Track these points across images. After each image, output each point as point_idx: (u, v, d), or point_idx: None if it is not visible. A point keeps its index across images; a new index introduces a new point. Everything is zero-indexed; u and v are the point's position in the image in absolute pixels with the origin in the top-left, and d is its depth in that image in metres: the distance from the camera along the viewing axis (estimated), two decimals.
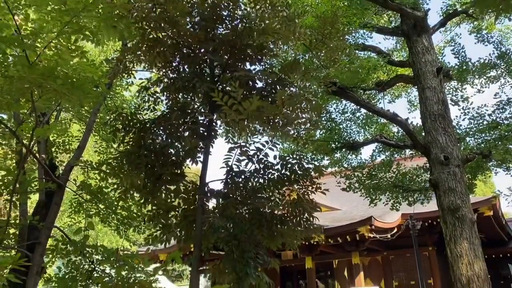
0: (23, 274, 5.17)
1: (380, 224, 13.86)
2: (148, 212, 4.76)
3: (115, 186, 5.08)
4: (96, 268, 5.92)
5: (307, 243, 15.05)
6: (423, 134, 7.43)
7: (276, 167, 4.47)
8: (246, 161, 4.46)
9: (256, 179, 4.53)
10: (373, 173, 9.49)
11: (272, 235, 4.53)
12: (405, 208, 12.62)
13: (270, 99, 4.26)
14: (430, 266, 16.02)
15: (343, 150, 9.33)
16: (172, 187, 4.63)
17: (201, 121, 4.59)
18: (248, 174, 4.52)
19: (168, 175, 4.55)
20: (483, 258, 6.13)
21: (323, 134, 9.45)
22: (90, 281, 5.65)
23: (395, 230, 14.80)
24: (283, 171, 4.44)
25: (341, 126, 9.57)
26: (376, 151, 10.15)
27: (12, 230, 6.31)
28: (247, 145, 4.54)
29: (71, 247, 5.95)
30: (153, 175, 4.50)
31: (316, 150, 8.88)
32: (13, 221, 6.49)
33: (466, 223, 6.24)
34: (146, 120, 4.67)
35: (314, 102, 4.37)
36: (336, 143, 9.02)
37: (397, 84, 9.94)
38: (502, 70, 9.03)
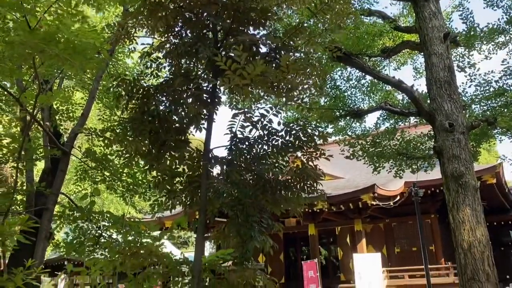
0: (32, 238, 5.30)
1: (383, 192, 13.97)
2: (153, 178, 4.80)
3: (120, 153, 5.11)
4: (103, 234, 6.04)
5: (310, 210, 15.26)
6: (428, 101, 7.37)
7: (280, 134, 4.46)
8: (250, 127, 4.45)
9: (260, 146, 4.52)
10: (377, 141, 9.48)
11: (276, 201, 4.57)
12: (408, 176, 12.68)
13: (274, 64, 4.20)
14: (432, 233, 16.25)
15: (348, 118, 9.30)
16: (177, 154, 4.64)
17: (204, 87, 4.54)
18: (252, 140, 4.51)
19: (172, 142, 4.55)
20: (485, 225, 6.19)
21: (328, 102, 9.40)
22: (97, 246, 5.78)
23: (398, 198, 14.93)
24: (287, 137, 4.43)
25: (345, 94, 9.50)
26: (381, 119, 10.10)
27: (19, 197, 6.42)
28: (251, 111, 4.52)
29: (78, 213, 6.06)
30: (157, 142, 4.51)
31: (320, 118, 8.86)
32: (19, 188, 6.59)
33: (469, 190, 6.27)
34: (149, 87, 4.64)
35: (318, 68, 4.31)
36: (341, 111, 8.98)
37: (403, 51, 9.78)
38: (511, 36, 8.85)
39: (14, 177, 4.52)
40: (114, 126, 4.78)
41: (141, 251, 4.07)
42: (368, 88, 9.64)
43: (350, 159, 9.80)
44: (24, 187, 6.15)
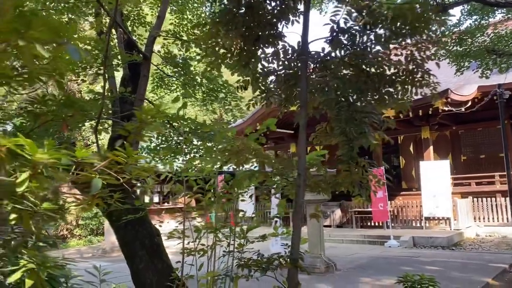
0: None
1: (456, 97, 13.16)
2: (243, 79, 4.56)
3: (206, 53, 4.85)
4: (183, 139, 6.05)
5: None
6: None
7: (388, 21, 3.98)
8: (355, 14, 3.99)
9: (364, 36, 4.09)
10: (464, 37, 8.60)
11: (379, 98, 4.23)
12: (481, 81, 11.76)
13: None
14: (507, 139, 15.43)
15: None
16: (271, 49, 4.32)
17: None
18: (356, 30, 4.08)
19: (266, 37, 4.22)
20: None
21: None
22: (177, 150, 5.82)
23: (470, 103, 14.07)
24: (397, 23, 3.95)
25: None
26: (466, 13, 9.09)
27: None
28: None
29: (161, 120, 6.04)
30: (251, 36, 4.18)
31: None
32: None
33: None
34: None
35: None
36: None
37: None
38: None
39: (102, 84, 4.40)
40: (199, 24, 4.48)
41: (245, 150, 3.96)
42: None
43: (432, 59, 9.03)
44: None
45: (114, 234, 5.04)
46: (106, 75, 5.93)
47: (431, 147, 15.35)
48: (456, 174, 16.26)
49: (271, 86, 4.41)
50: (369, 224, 15.54)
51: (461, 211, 14.00)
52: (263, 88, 4.47)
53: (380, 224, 14.81)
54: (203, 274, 4.01)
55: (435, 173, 14.09)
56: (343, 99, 3.97)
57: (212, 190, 4.33)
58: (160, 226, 4.66)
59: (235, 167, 4.28)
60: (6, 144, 1.10)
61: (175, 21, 7.33)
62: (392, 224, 14.11)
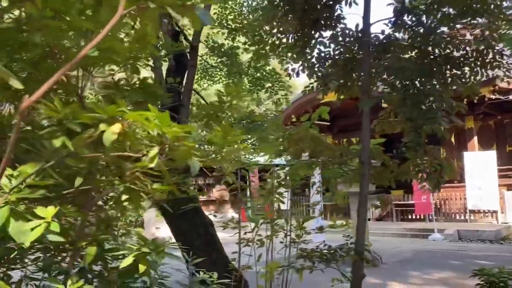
0: None
1: (505, 85, 12.54)
2: (299, 65, 4.42)
3: (247, 43, 4.74)
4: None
5: None
6: None
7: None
8: None
9: (430, 15, 3.87)
10: None
11: (445, 82, 4.01)
12: None
13: None
14: None
15: None
16: (329, 33, 4.17)
17: None
18: (422, 10, 3.87)
19: (324, 19, 4.06)
20: None
21: None
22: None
23: None
24: (467, 1, 3.71)
25: None
26: None
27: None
28: None
29: (207, 110, 5.97)
30: (309, 19, 4.04)
31: None
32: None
33: None
34: None
35: None
36: None
37: None
38: None
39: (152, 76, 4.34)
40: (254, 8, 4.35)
41: (305, 138, 3.83)
42: None
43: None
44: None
45: (153, 226, 5.02)
46: (155, 65, 5.93)
47: (475, 138, 14.77)
48: (501, 166, 15.59)
49: (329, 71, 4.25)
50: (409, 217, 15.13)
51: (508, 204, 13.42)
52: (319, 73, 4.32)
53: (422, 217, 14.39)
54: (262, 265, 3.92)
55: (480, 165, 13.54)
56: (408, 83, 3.78)
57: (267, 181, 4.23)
58: (215, 216, 4.62)
59: (289, 157, 4.16)
60: (130, 117, 1.02)
61: (218, 11, 7.23)
62: (435, 217, 13.68)
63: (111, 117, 1.01)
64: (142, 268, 1.21)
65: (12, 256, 1.61)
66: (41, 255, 1.85)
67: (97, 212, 1.44)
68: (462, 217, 14.17)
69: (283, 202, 4.31)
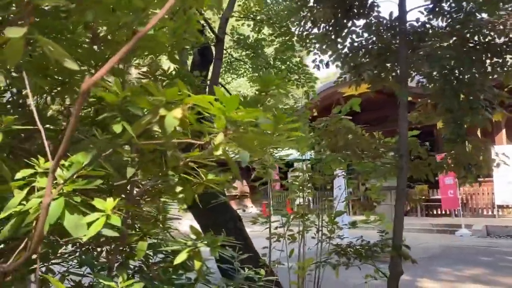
0: None
1: None
2: (331, 54, 4.29)
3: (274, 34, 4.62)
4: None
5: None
6: None
7: None
8: None
9: (470, 1, 3.70)
10: None
11: (484, 71, 3.83)
12: None
13: None
14: None
15: None
16: (363, 21, 4.03)
17: None
18: None
19: (357, 7, 3.92)
20: None
21: None
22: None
23: None
24: None
25: None
26: None
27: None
28: None
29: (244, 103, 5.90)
30: (342, 7, 3.90)
31: None
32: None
33: None
34: None
35: None
36: None
37: None
38: None
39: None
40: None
41: (342, 130, 3.72)
42: None
43: None
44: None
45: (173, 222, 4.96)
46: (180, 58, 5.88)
47: (504, 130, 14.34)
48: None
49: (363, 61, 4.11)
50: (435, 212, 14.81)
51: None
52: (352, 64, 4.18)
53: (448, 213, 14.07)
54: (295, 261, 3.83)
55: (510, 159, 13.11)
56: (448, 72, 3.62)
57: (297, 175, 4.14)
58: (244, 211, 4.54)
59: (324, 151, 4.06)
60: (191, 101, 0.93)
61: (243, 2, 7.13)
62: (461, 212, 13.35)
63: (169, 102, 0.93)
64: (197, 264, 1.14)
65: (53, 251, 1.55)
66: (72, 249, 1.78)
67: (147, 205, 1.37)
68: (490, 213, 13.80)
69: (312, 197, 4.21)
